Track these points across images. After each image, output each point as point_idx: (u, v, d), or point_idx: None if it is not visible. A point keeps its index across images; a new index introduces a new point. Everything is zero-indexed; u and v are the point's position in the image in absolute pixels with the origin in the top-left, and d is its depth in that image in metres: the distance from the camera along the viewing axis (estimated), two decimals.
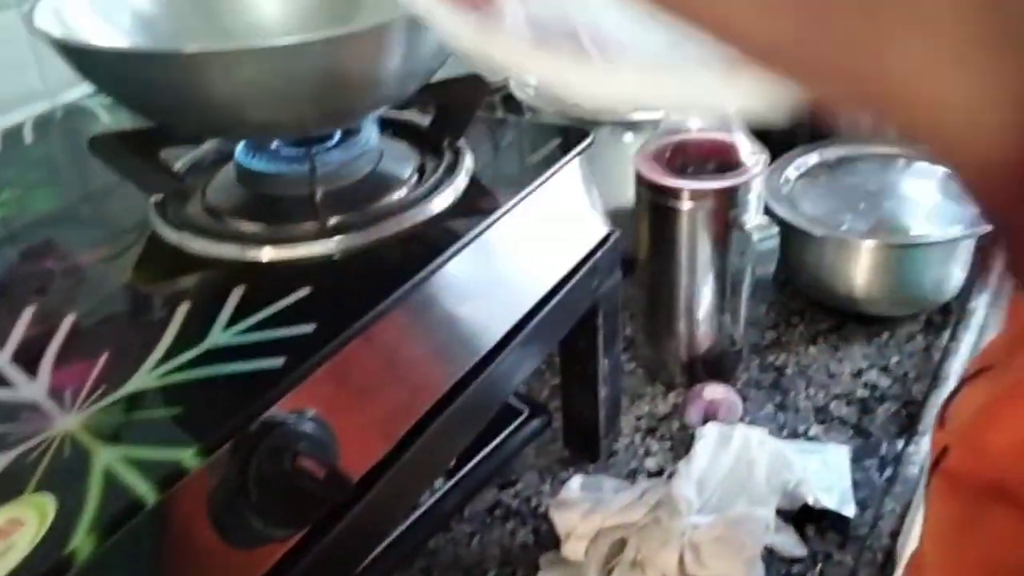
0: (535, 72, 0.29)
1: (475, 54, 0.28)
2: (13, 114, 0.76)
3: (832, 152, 0.94)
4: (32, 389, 0.41)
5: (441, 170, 0.58)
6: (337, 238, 0.52)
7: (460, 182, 0.57)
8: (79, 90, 0.79)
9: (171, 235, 0.54)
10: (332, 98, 0.50)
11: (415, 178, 0.58)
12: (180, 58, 0.43)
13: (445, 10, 0.28)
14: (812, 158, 0.94)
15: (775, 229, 0.71)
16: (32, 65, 0.80)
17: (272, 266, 0.51)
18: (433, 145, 0.61)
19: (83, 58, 0.48)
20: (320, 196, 0.55)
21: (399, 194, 0.56)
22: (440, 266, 0.51)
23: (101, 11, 0.54)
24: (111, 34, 0.55)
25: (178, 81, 0.45)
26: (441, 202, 0.55)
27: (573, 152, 0.61)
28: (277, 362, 0.41)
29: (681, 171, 0.72)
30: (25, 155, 0.68)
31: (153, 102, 0.50)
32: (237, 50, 0.44)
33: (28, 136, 0.71)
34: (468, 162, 0.59)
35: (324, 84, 0.47)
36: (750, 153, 0.72)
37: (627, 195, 0.75)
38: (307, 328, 0.44)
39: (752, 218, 0.72)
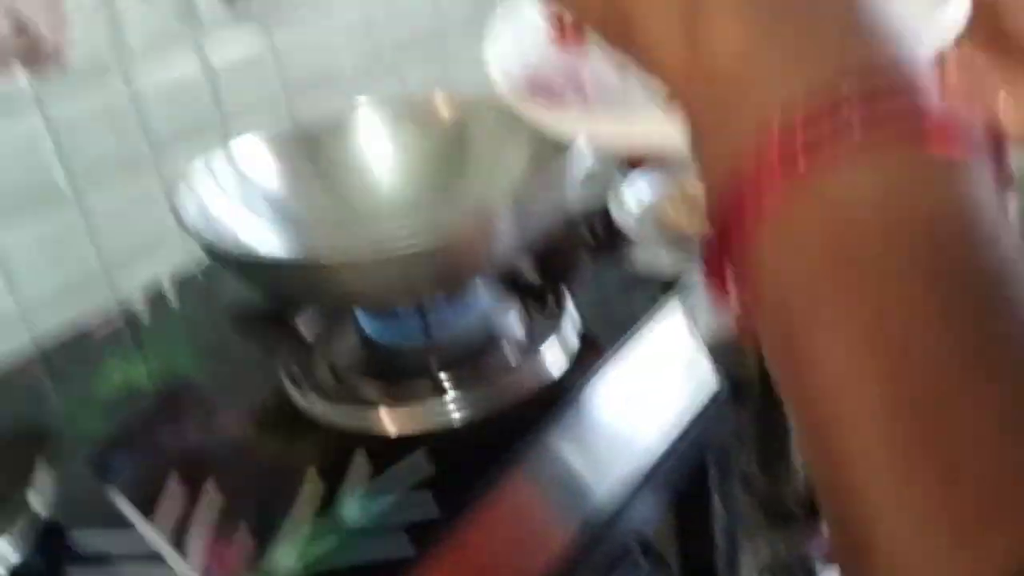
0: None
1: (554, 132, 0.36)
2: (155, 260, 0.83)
3: None
4: (186, 570, 0.45)
5: (548, 324, 0.60)
6: (453, 396, 0.54)
7: (568, 335, 0.59)
8: None
9: (300, 400, 0.58)
10: (448, 276, 0.53)
11: (523, 332, 0.60)
12: (317, 268, 0.48)
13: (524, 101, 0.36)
14: None
15: None
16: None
17: (392, 430, 0.54)
18: (537, 295, 0.63)
19: (227, 261, 0.53)
20: (435, 355, 0.58)
21: (509, 350, 0.59)
22: (555, 427, 0.52)
23: (233, 191, 0.60)
24: (240, 212, 0.60)
25: (313, 281, 0.50)
26: (551, 357, 0.58)
27: (676, 294, 0.62)
28: (407, 550, 0.43)
29: None
30: (170, 322, 0.74)
31: (288, 294, 0.55)
32: (369, 260, 0.48)
33: (172, 298, 0.77)
34: (573, 313, 0.61)
35: (442, 270, 0.51)
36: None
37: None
38: (431, 509, 0.46)
39: None
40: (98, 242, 0.81)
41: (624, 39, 0.25)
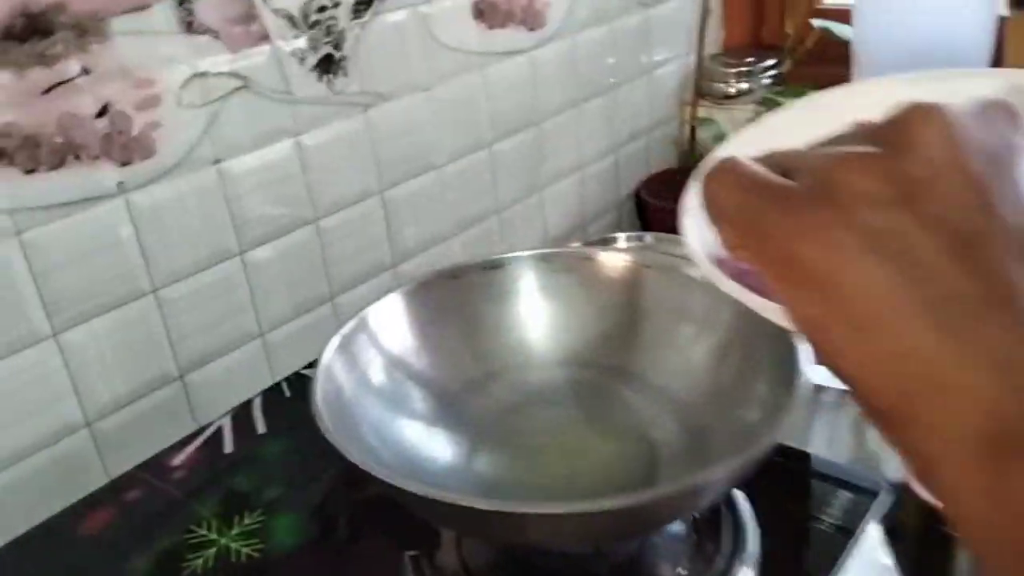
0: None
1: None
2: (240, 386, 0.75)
3: None
4: None
5: (725, 552, 0.52)
6: None
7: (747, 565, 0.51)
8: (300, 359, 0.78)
9: None
10: (641, 528, 0.45)
11: (696, 557, 0.52)
12: (511, 516, 0.40)
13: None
14: None
15: None
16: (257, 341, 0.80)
17: None
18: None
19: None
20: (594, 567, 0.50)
21: (682, 574, 0.51)
22: None
23: (372, 372, 0.52)
24: (381, 393, 0.52)
25: (472, 521, 0.41)
26: None
27: (871, 513, 0.54)
28: None
29: None
30: (260, 453, 0.66)
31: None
32: (551, 513, 0.40)
33: (259, 422, 0.69)
34: (753, 536, 0.53)
35: (635, 524, 0.43)
36: None
37: None
38: None
39: None
40: (175, 340, 0.73)
41: (892, 426, 0.23)
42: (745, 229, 0.25)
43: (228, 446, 0.65)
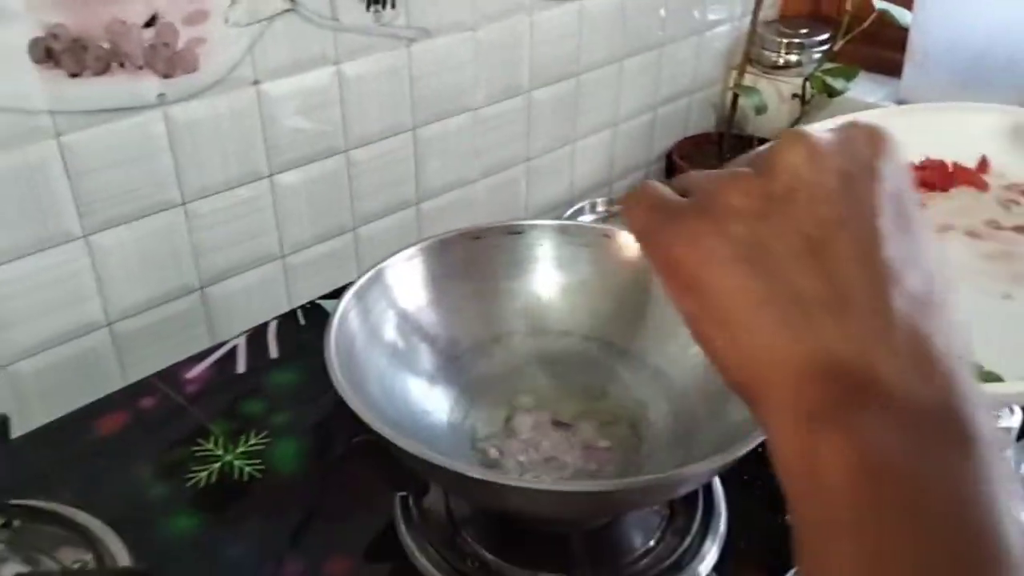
0: None
1: None
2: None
3: None
4: None
5: (695, 529, 0.55)
6: None
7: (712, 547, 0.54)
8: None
9: (407, 538, 0.53)
10: (633, 505, 0.47)
11: (667, 532, 0.55)
12: (486, 484, 0.42)
13: None
14: None
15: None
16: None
17: None
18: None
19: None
20: (577, 544, 0.52)
21: (652, 547, 0.53)
22: None
23: (385, 326, 0.54)
24: (392, 350, 0.54)
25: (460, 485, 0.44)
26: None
27: None
28: None
29: None
30: (270, 378, 0.68)
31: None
32: (550, 490, 0.42)
33: (273, 347, 0.71)
34: (723, 516, 0.55)
35: (629, 502, 0.45)
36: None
37: None
38: None
39: None
40: (198, 253, 0.75)
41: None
42: (646, 239, 0.29)
43: (241, 366, 0.68)
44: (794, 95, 1.13)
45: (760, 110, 1.11)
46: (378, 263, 0.55)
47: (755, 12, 1.10)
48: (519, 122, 0.96)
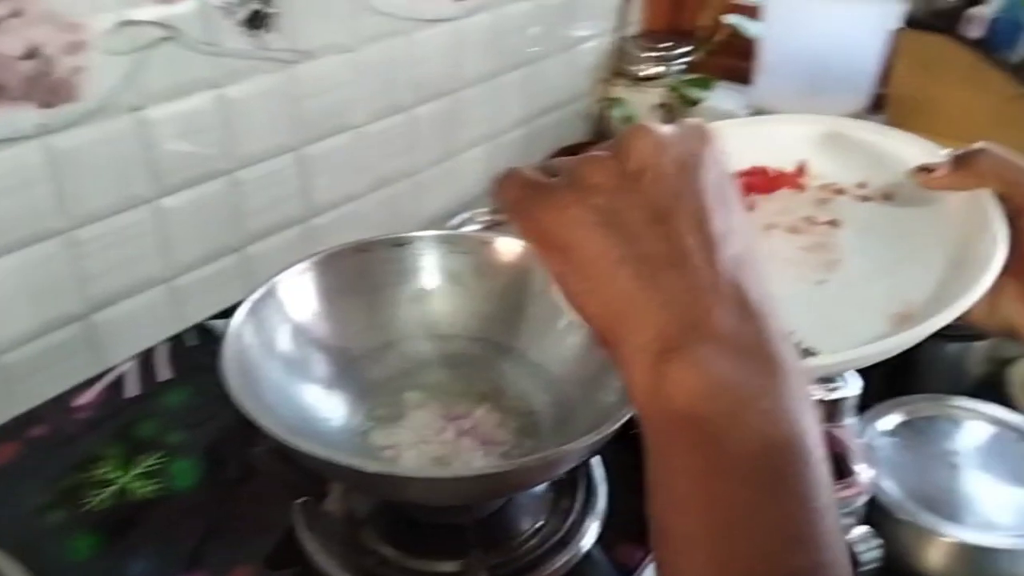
0: None
1: None
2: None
3: (916, 410, 0.94)
4: None
5: (578, 508, 0.59)
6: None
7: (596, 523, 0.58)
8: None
9: (309, 542, 0.55)
10: (515, 488, 0.51)
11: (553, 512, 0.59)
12: (372, 475, 0.45)
13: None
14: (895, 418, 0.94)
15: (878, 541, 0.72)
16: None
17: None
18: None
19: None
20: (471, 531, 0.56)
21: (539, 528, 0.58)
22: None
23: (279, 339, 0.56)
24: (286, 360, 0.56)
25: (367, 483, 0.47)
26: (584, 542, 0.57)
27: None
28: None
29: None
30: (163, 400, 0.69)
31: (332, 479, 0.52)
32: (433, 477, 0.46)
33: (163, 369, 0.72)
34: (603, 494, 0.60)
35: (511, 486, 0.49)
36: (862, 463, 0.72)
37: None
38: None
39: (855, 530, 0.73)
40: (83, 280, 0.75)
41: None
42: (518, 212, 0.33)
43: (132, 390, 0.69)
44: (660, 105, 1.21)
45: (628, 120, 1.18)
46: (271, 278, 0.57)
47: (622, 27, 1.18)
48: (402, 138, 1.00)
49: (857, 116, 1.12)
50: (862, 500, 0.70)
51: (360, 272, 0.61)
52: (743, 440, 0.29)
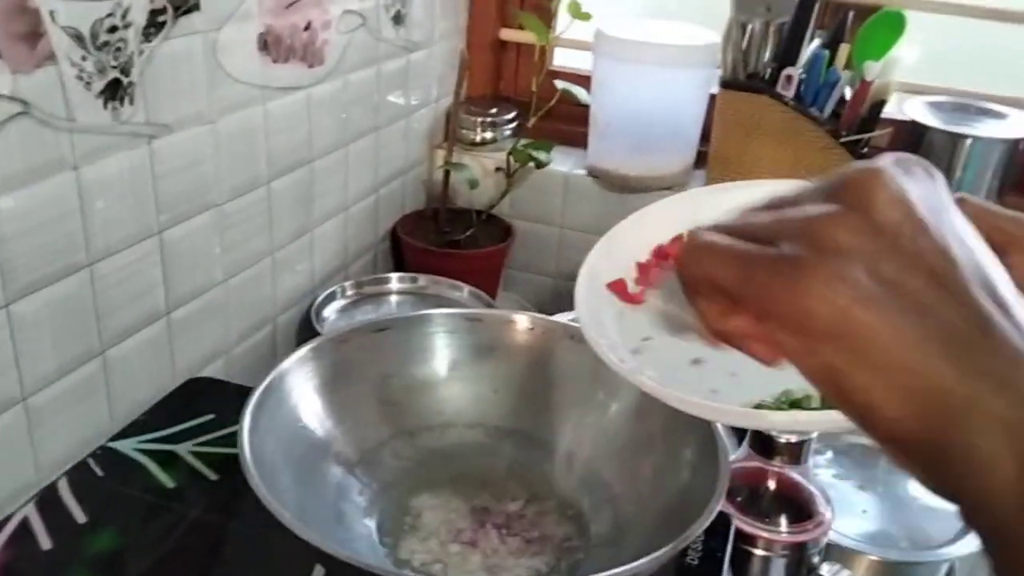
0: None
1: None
2: None
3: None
4: None
5: None
6: None
7: None
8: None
9: None
10: None
11: None
12: None
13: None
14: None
15: (846, 572, 0.75)
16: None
17: None
18: None
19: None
20: None
21: None
22: None
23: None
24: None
25: None
26: None
27: None
28: None
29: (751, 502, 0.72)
30: (86, 546, 0.56)
31: None
32: None
33: (75, 509, 0.59)
34: None
35: None
36: (824, 503, 0.74)
37: None
38: None
39: (825, 567, 0.75)
40: None
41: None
42: (753, 297, 0.27)
43: (44, 541, 0.55)
44: (497, 168, 1.22)
45: (474, 184, 1.17)
46: (262, 383, 0.49)
47: (456, 94, 1.18)
48: (261, 215, 0.92)
49: (684, 173, 1.21)
50: (825, 539, 0.73)
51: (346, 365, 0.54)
52: None
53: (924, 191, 0.28)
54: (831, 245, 0.26)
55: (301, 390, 0.51)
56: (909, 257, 0.26)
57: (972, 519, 0.26)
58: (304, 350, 0.52)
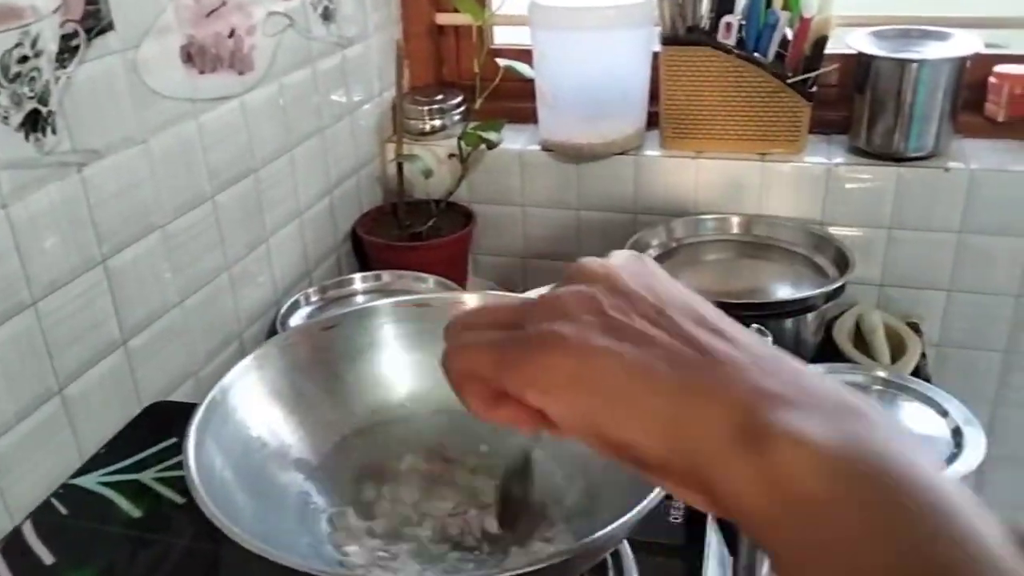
0: None
1: None
2: None
3: None
4: None
5: None
6: None
7: None
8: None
9: None
10: None
11: None
12: None
13: None
14: None
15: None
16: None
17: None
18: None
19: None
20: None
21: None
22: None
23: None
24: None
25: None
26: None
27: None
28: None
29: None
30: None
31: None
32: None
33: (41, 551, 0.57)
34: None
35: None
36: None
37: None
38: None
39: None
40: None
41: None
42: (507, 373, 0.31)
43: None
44: (450, 155, 1.20)
45: (428, 174, 1.16)
46: (212, 392, 0.47)
47: (398, 85, 1.16)
48: (209, 231, 0.90)
49: (637, 136, 1.19)
50: None
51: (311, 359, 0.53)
52: (909, 478, 0.26)
53: (627, 261, 0.34)
54: (571, 309, 0.31)
55: (249, 401, 0.49)
56: (627, 307, 0.31)
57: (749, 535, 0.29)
58: (247, 360, 0.50)
